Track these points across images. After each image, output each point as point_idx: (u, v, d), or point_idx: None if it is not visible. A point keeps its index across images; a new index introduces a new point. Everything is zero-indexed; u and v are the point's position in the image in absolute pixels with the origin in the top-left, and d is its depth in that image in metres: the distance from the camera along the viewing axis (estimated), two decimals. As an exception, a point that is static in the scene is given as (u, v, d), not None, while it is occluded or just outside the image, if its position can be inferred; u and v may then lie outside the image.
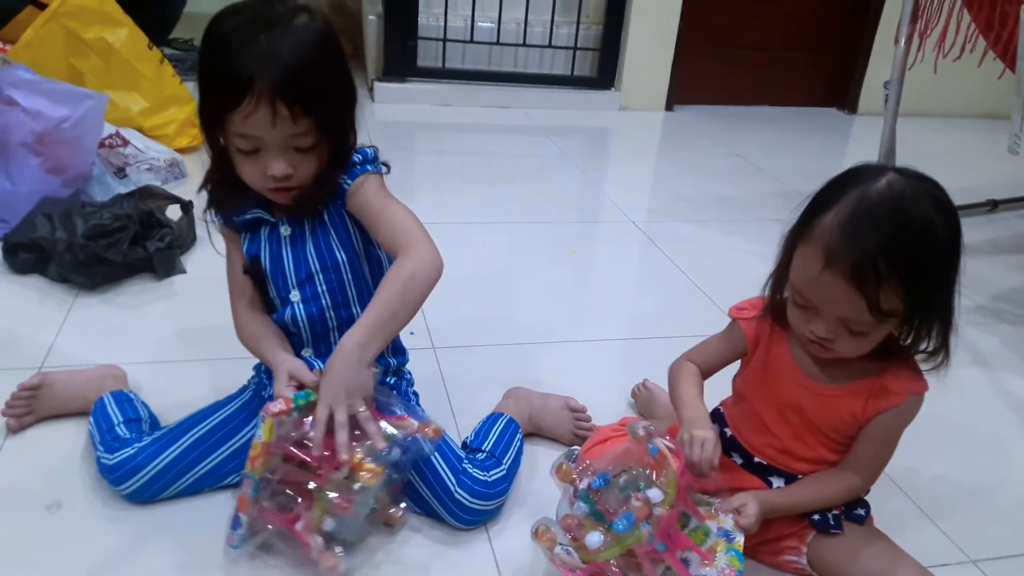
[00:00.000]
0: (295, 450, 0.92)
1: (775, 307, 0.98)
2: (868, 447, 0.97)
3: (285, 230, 1.03)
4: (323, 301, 1.04)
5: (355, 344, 0.92)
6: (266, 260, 1.04)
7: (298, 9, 0.92)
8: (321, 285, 1.03)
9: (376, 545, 1.02)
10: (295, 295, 1.04)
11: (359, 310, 1.04)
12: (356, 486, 0.90)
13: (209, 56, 0.92)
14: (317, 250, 1.03)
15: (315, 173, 0.96)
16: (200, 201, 1.08)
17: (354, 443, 0.91)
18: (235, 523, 0.94)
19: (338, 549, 0.93)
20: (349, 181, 1.00)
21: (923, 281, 0.84)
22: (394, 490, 0.99)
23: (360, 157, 1.01)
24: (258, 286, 1.07)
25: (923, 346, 0.91)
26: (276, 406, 0.91)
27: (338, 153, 0.98)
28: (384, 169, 1.04)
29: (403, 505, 1.02)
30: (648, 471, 0.90)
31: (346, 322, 1.02)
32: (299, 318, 1.04)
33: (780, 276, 0.94)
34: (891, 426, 0.96)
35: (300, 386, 0.95)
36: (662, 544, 0.86)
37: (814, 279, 0.86)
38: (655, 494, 0.87)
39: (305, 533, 0.92)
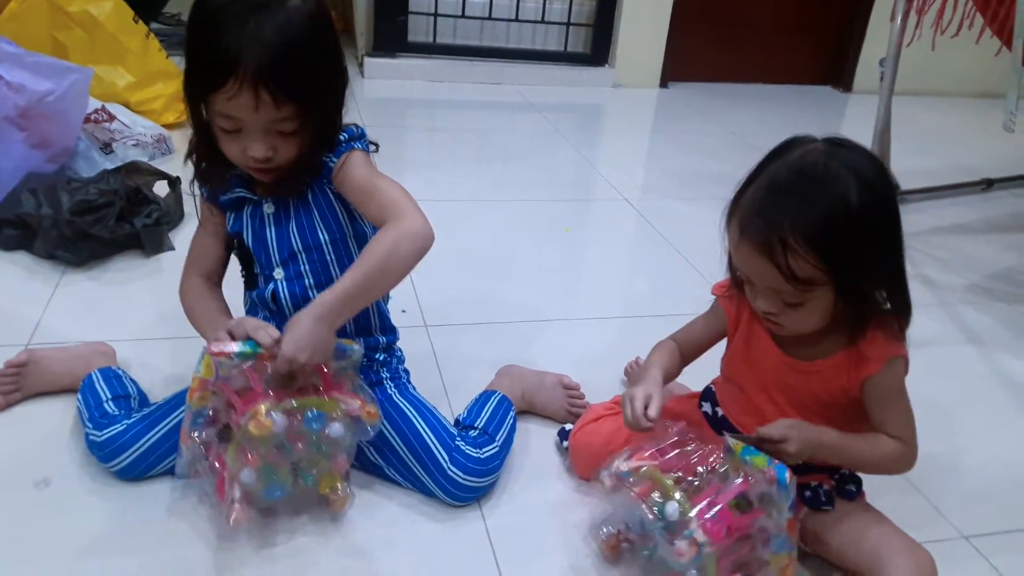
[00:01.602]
0: (232, 396, 0.91)
1: (738, 283, 0.97)
2: (881, 412, 0.95)
3: (268, 208, 1.02)
4: (306, 280, 1.03)
5: (326, 307, 0.90)
6: (249, 238, 1.03)
7: None
8: (304, 264, 1.03)
9: (366, 521, 1.01)
10: (279, 273, 1.03)
11: None
12: (249, 432, 0.88)
13: (197, 31, 0.90)
14: (300, 229, 1.01)
15: (297, 155, 0.95)
16: (187, 174, 1.06)
17: (269, 401, 0.89)
18: (178, 453, 0.94)
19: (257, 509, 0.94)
20: (334, 159, 0.98)
21: (840, 249, 0.83)
22: (337, 468, 0.97)
23: (346, 135, 1.00)
24: (243, 263, 1.06)
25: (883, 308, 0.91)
26: (217, 347, 0.90)
27: (323, 135, 0.96)
28: (372, 147, 1.03)
29: (346, 487, 0.98)
30: (649, 502, 0.88)
31: None
32: (281, 296, 1.03)
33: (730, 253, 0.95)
34: (887, 388, 0.93)
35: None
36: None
37: (736, 250, 0.89)
38: (671, 509, 0.85)
39: (227, 479, 0.91)
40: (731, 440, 0.89)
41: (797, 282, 0.84)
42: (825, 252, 0.82)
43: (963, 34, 2.03)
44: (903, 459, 0.96)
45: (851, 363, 0.93)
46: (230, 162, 0.97)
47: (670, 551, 0.85)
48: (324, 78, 0.93)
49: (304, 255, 1.02)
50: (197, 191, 1.06)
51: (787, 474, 0.84)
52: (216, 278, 1.10)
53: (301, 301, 1.02)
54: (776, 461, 0.86)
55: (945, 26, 1.99)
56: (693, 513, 0.85)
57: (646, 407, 0.93)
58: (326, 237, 1.02)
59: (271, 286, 1.04)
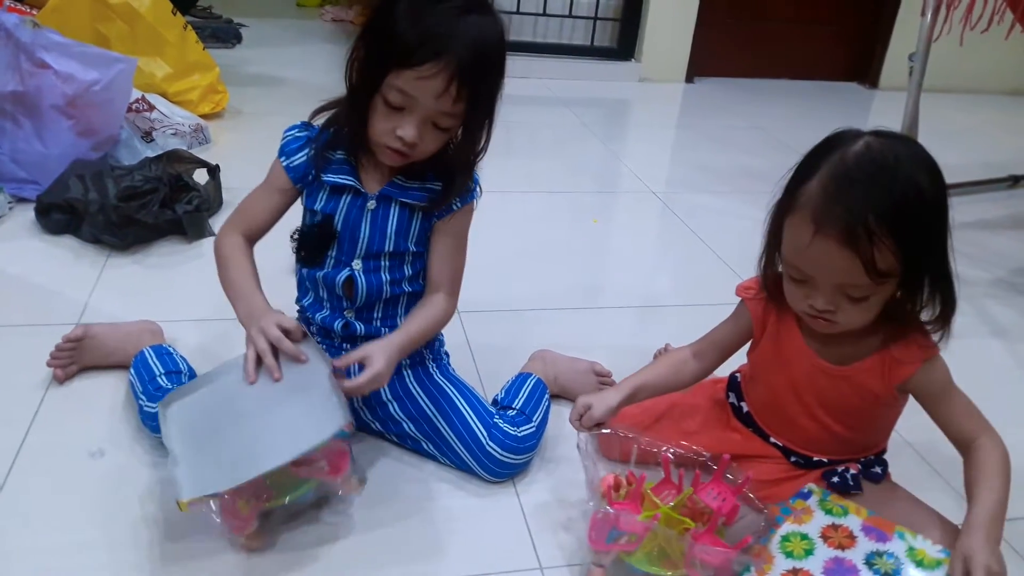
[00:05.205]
0: None
1: (770, 284, 0.97)
2: (941, 411, 0.95)
3: (371, 204, 1.05)
4: (383, 275, 1.07)
5: (395, 353, 1.01)
6: (339, 223, 1.05)
7: (484, 3, 0.96)
8: (386, 260, 1.06)
9: (405, 494, 1.05)
10: (357, 264, 1.06)
11: (410, 288, 1.09)
12: None
13: (406, 9, 0.93)
14: (397, 232, 1.05)
15: (434, 152, 1.00)
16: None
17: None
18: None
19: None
20: (459, 204, 1.05)
21: (915, 236, 0.83)
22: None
23: (474, 181, 1.06)
24: (309, 242, 1.08)
25: (926, 312, 0.90)
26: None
27: (466, 150, 1.01)
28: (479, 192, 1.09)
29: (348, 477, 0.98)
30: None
31: (398, 297, 1.08)
32: (359, 285, 1.06)
33: (770, 251, 0.94)
34: (935, 386, 0.94)
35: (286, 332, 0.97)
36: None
37: (805, 248, 0.86)
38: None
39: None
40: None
41: (876, 274, 0.83)
42: (905, 240, 0.82)
43: (992, 32, 2.03)
44: (1002, 447, 0.95)
45: (884, 367, 0.94)
46: (363, 137, 1.00)
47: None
48: (493, 90, 0.99)
49: (390, 254, 1.06)
50: (283, 159, 1.07)
51: None
52: (254, 240, 1.11)
53: (376, 292, 1.07)
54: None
55: (975, 22, 2.00)
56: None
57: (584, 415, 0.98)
58: (415, 248, 1.07)
59: (344, 272, 1.06)
